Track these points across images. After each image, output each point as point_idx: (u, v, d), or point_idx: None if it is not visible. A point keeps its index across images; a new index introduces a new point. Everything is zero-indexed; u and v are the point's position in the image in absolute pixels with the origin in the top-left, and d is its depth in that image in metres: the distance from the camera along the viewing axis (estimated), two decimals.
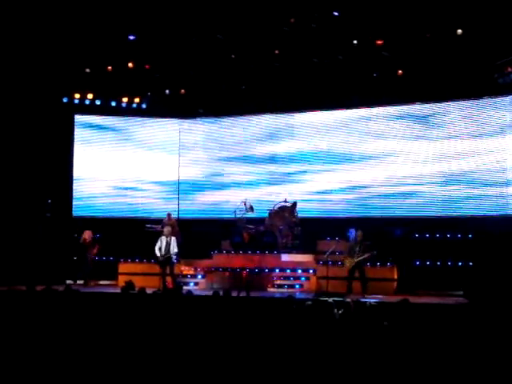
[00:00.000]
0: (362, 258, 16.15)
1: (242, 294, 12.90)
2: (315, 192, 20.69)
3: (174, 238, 17.18)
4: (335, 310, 8.41)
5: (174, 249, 17.02)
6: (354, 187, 20.26)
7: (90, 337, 7.55)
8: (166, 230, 17.43)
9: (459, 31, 16.90)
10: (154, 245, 17.21)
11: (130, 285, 14.85)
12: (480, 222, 17.97)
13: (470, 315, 8.47)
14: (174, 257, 17.16)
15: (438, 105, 19.37)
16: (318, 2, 16.59)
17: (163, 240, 17.16)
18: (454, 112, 19.17)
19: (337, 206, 20.40)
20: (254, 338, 7.20)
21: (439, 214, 19.03)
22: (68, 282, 18.26)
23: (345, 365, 6.41)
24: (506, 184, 18.23)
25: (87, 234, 19.40)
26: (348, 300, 9.05)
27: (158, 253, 17.09)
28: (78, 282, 19.11)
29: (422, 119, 19.56)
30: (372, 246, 16.30)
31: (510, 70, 17.63)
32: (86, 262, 19.26)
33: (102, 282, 19.50)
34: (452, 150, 19.08)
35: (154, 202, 21.94)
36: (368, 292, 15.63)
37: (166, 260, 17.05)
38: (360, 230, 16.65)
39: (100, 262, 19.85)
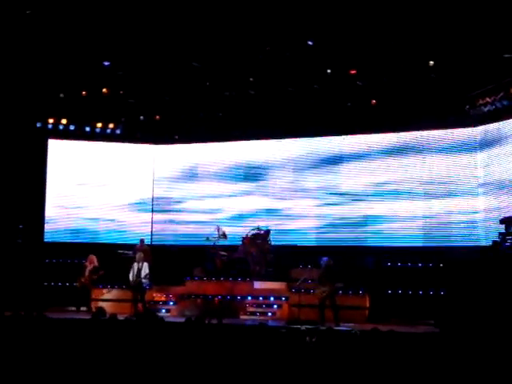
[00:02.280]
0: (327, 289, 15.95)
1: (214, 321, 12.83)
2: (288, 220, 20.73)
3: (145, 264, 17.15)
4: (307, 338, 8.40)
5: (144, 273, 16.99)
6: (327, 216, 20.35)
7: (61, 363, 7.46)
8: (138, 255, 17.40)
9: (431, 63, 17.14)
10: (128, 271, 17.17)
11: (100, 311, 14.79)
12: (451, 251, 18.12)
13: (441, 344, 8.50)
14: (145, 281, 17.08)
15: (411, 134, 19.60)
16: (293, 31, 16.73)
17: (135, 266, 17.13)
18: (425, 143, 19.41)
19: (310, 234, 20.46)
20: (225, 364, 7.17)
21: (411, 244, 19.17)
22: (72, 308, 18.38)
23: None
24: (477, 214, 18.47)
25: (95, 260, 19.15)
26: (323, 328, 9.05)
27: (130, 278, 17.07)
28: (82, 308, 18.83)
29: (394, 149, 19.77)
30: (340, 275, 16.18)
31: (481, 102, 17.90)
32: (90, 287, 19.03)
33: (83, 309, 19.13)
34: (424, 181, 19.29)
35: (126, 229, 21.83)
36: (340, 320, 15.59)
37: (137, 285, 16.98)
38: (330, 259, 16.49)
39: (71, 287, 19.65)
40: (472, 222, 18.60)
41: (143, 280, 16.98)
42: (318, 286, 16.27)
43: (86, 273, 19.04)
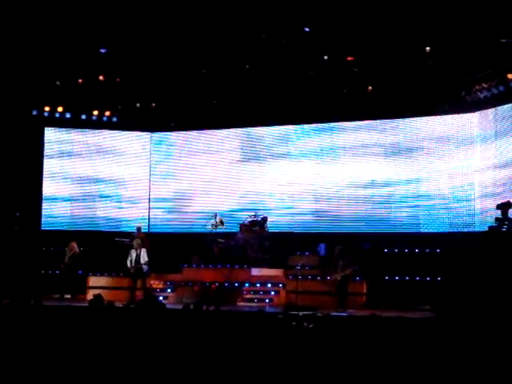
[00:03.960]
0: (344, 273, 16.04)
1: (211, 307, 12.88)
2: (285, 207, 20.76)
3: (143, 250, 17.20)
4: (305, 324, 8.45)
5: (143, 259, 17.04)
6: (324, 202, 20.38)
7: (59, 350, 7.49)
8: (136, 242, 17.43)
9: (427, 49, 17.12)
10: (126, 259, 17.20)
11: (98, 298, 14.81)
12: (448, 238, 18.17)
13: (436, 328, 8.55)
14: (145, 267, 17.13)
15: (406, 120, 19.61)
16: (289, 18, 16.70)
17: (133, 253, 17.17)
18: (421, 128, 19.42)
19: (307, 221, 20.49)
20: (224, 350, 7.20)
21: (408, 231, 19.22)
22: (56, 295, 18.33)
23: (312, 377, 6.44)
24: (473, 200, 18.52)
25: (76, 246, 19.17)
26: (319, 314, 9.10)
27: (129, 265, 17.10)
28: (66, 295, 18.83)
29: (391, 135, 19.79)
30: (353, 261, 16.28)
31: (477, 87, 17.89)
32: (74, 274, 19.03)
33: (67, 296, 19.17)
34: (421, 167, 19.32)
35: (124, 216, 21.83)
36: (345, 307, 15.60)
37: (136, 272, 17.03)
38: (340, 245, 16.55)
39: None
40: (468, 208, 18.62)
41: (143, 266, 17.03)
42: (332, 273, 16.33)
43: (66, 259, 19.03)
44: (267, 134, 21.33)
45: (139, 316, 9.21)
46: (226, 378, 6.48)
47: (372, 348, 7.15)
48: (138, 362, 7.06)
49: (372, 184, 19.86)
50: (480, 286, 13.74)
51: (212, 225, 19.45)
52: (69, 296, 18.66)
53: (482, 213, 18.19)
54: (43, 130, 21.42)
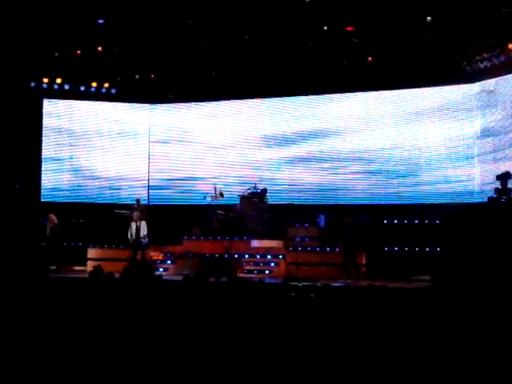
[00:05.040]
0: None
1: (211, 279, 12.90)
2: (285, 178, 20.75)
3: (143, 222, 17.27)
4: (311, 295, 8.49)
5: (143, 232, 17.11)
6: (324, 169, 20.37)
7: (62, 323, 7.51)
8: (136, 214, 17.47)
9: (429, 18, 17.00)
10: (126, 231, 17.26)
11: (98, 270, 14.83)
12: (447, 208, 18.16)
13: (436, 299, 8.59)
14: (144, 240, 17.20)
15: (407, 91, 19.53)
16: None
17: (133, 225, 17.25)
18: (422, 98, 19.36)
19: (306, 192, 20.49)
20: (229, 322, 7.23)
21: (407, 202, 19.23)
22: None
23: (315, 350, 6.47)
24: (472, 167, 18.54)
25: (55, 218, 19.17)
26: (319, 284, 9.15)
27: (129, 237, 17.20)
28: (51, 267, 18.86)
29: (392, 105, 19.74)
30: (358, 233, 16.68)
31: (478, 57, 17.80)
32: (58, 246, 19.03)
33: (76, 268, 19.23)
34: (420, 137, 19.29)
35: (123, 188, 21.83)
36: (360, 278, 15.94)
37: (136, 244, 17.10)
38: (348, 216, 16.90)
39: (68, 247, 19.73)
40: (467, 179, 18.62)
41: (142, 240, 17.10)
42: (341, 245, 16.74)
43: (48, 232, 19.01)
44: (267, 104, 21.26)
45: (137, 287, 9.21)
46: (227, 348, 6.52)
47: (370, 319, 7.17)
48: (141, 333, 7.09)
49: (370, 154, 19.85)
50: (479, 257, 13.78)
51: (212, 197, 19.46)
52: (54, 267, 18.62)
53: (482, 183, 18.19)
54: (42, 102, 21.35)
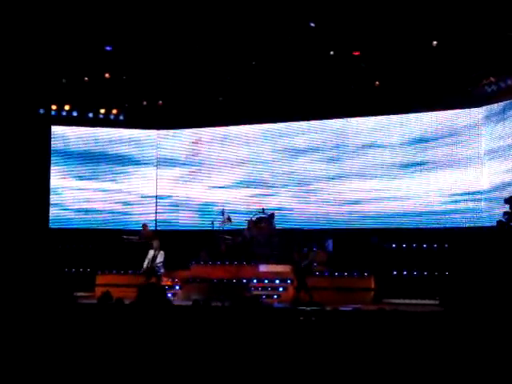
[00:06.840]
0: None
1: (219, 304, 12.86)
2: (294, 202, 20.77)
3: (162, 253, 17.18)
4: (313, 318, 8.46)
5: (160, 259, 17.07)
6: (330, 199, 20.39)
7: (69, 347, 7.50)
8: (156, 243, 17.41)
9: (434, 43, 17.07)
10: (136, 256, 17.28)
11: (107, 295, 14.78)
12: (455, 233, 18.14)
13: (445, 322, 8.55)
14: (159, 268, 17.16)
15: (414, 115, 19.58)
16: (295, 13, 16.66)
17: (150, 253, 17.21)
18: (429, 123, 19.40)
19: (315, 217, 20.49)
20: (237, 345, 7.21)
21: (416, 226, 19.20)
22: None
23: (326, 374, 6.44)
24: (481, 194, 18.50)
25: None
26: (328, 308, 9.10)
27: (144, 265, 17.19)
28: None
29: (398, 129, 19.78)
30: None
31: (484, 82, 17.85)
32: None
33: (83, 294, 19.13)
34: (429, 161, 19.30)
35: (130, 214, 21.86)
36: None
37: (150, 271, 17.07)
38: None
39: (77, 273, 19.73)
40: (476, 201, 18.59)
41: (158, 265, 17.07)
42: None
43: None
44: (273, 130, 21.33)
45: (146, 312, 9.21)
46: (234, 368, 6.50)
47: (379, 342, 7.14)
48: (148, 358, 7.07)
49: (378, 178, 19.86)
50: (488, 281, 13.72)
51: (220, 222, 19.46)
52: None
53: (491, 207, 18.16)
54: (50, 128, 21.46)
